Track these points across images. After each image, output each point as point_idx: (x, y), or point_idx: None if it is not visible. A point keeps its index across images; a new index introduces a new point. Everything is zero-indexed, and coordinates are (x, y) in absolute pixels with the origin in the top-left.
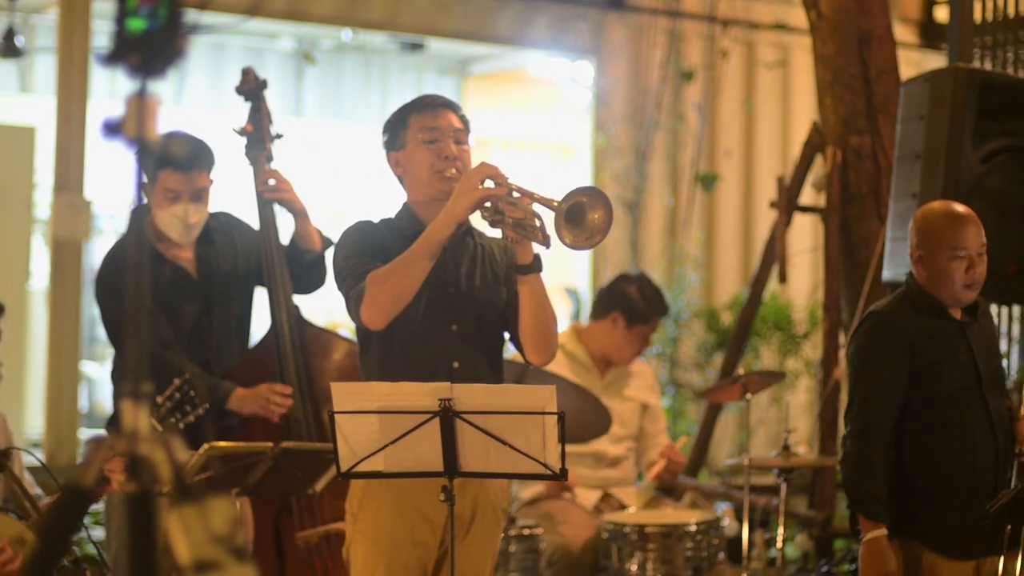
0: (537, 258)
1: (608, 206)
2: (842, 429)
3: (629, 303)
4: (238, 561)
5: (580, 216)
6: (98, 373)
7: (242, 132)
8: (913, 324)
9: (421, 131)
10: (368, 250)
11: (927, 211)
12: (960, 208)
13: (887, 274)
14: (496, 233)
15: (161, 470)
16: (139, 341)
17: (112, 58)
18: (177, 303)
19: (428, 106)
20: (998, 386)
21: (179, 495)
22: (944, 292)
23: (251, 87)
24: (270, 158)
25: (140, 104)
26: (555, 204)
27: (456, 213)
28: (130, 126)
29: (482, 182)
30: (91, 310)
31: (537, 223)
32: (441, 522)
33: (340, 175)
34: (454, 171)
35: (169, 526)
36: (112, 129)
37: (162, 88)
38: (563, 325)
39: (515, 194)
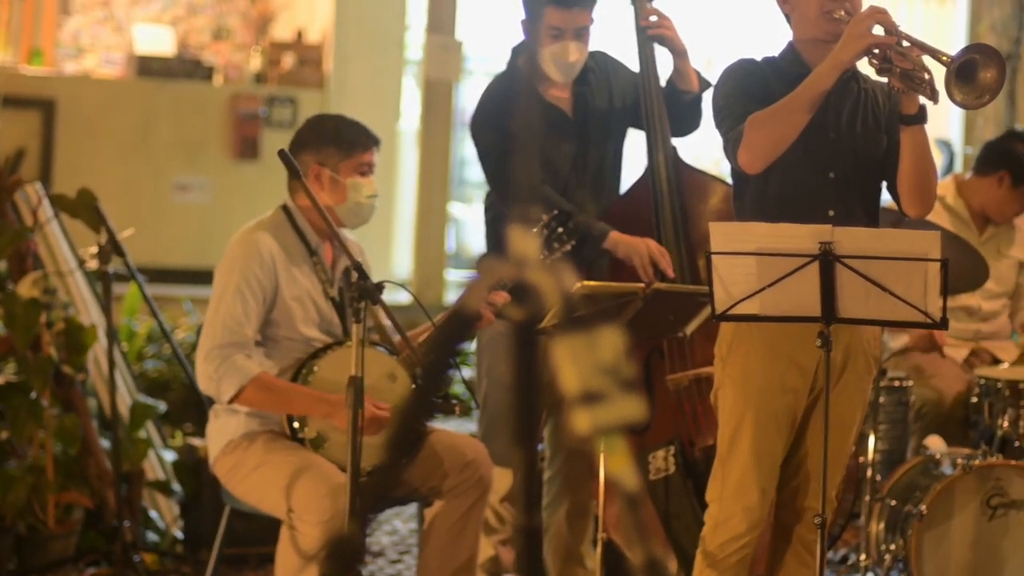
0: (922, 109)
1: (1002, 66)
2: None
3: (1018, 162)
4: (625, 393)
5: (972, 73)
6: (465, 214)
7: None
8: None
9: None
10: (749, 90)
11: None
12: None
13: None
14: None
15: (548, 298)
16: (524, 174)
17: None
18: (554, 142)
19: None
20: None
21: (566, 325)
22: None
23: None
24: None
25: None
26: (946, 59)
27: (842, 60)
28: None
29: (871, 28)
30: (461, 151)
31: (926, 76)
32: (812, 368)
33: (711, 22)
34: (843, 12)
35: (555, 356)
36: None
37: None
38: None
39: (905, 43)
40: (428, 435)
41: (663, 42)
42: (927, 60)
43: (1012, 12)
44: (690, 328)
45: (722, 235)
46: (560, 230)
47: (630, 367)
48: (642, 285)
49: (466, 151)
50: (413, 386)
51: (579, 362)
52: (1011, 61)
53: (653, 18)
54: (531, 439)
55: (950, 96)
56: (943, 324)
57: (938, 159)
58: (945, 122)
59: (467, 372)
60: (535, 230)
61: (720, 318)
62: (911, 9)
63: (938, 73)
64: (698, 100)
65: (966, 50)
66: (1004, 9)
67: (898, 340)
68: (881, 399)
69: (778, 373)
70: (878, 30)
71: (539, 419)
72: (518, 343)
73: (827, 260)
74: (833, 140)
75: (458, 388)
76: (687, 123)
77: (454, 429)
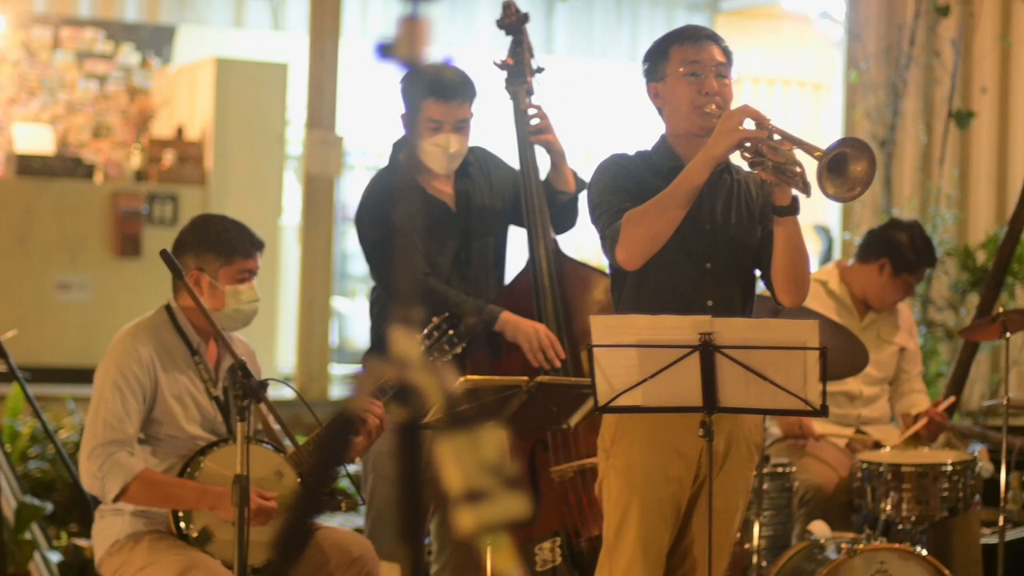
0: (795, 200)
1: (872, 159)
2: None
3: (898, 251)
4: (508, 491)
5: (843, 167)
6: (349, 308)
7: (503, 66)
8: None
9: (682, 64)
10: (624, 186)
11: None
12: None
13: None
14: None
15: (430, 399)
16: (409, 268)
17: None
18: (438, 237)
19: (691, 38)
20: None
21: (449, 424)
22: None
23: (512, 21)
24: (531, 92)
25: (412, 26)
26: (817, 152)
27: (715, 155)
28: (402, 48)
29: (742, 123)
30: (342, 245)
31: (798, 169)
32: (695, 457)
33: (589, 113)
34: (714, 107)
35: (438, 455)
36: (384, 52)
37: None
38: (812, 264)
39: (776, 137)
40: (315, 532)
41: (540, 141)
42: (799, 153)
43: (886, 99)
44: (574, 420)
45: (603, 328)
46: (451, 332)
47: (513, 464)
48: (525, 378)
49: (348, 245)
50: (300, 483)
51: (462, 459)
52: (886, 147)
53: (534, 116)
54: (417, 535)
55: (822, 189)
56: (823, 411)
57: (817, 245)
58: (824, 208)
59: (353, 467)
60: (424, 331)
61: (603, 410)
62: (787, 95)
63: (809, 165)
64: (575, 200)
65: (837, 144)
66: (879, 96)
67: (779, 428)
68: (765, 485)
69: (662, 463)
70: (749, 124)
71: (425, 514)
72: (402, 441)
73: (707, 350)
74: (708, 232)
75: (344, 483)
76: (563, 223)
77: (340, 524)
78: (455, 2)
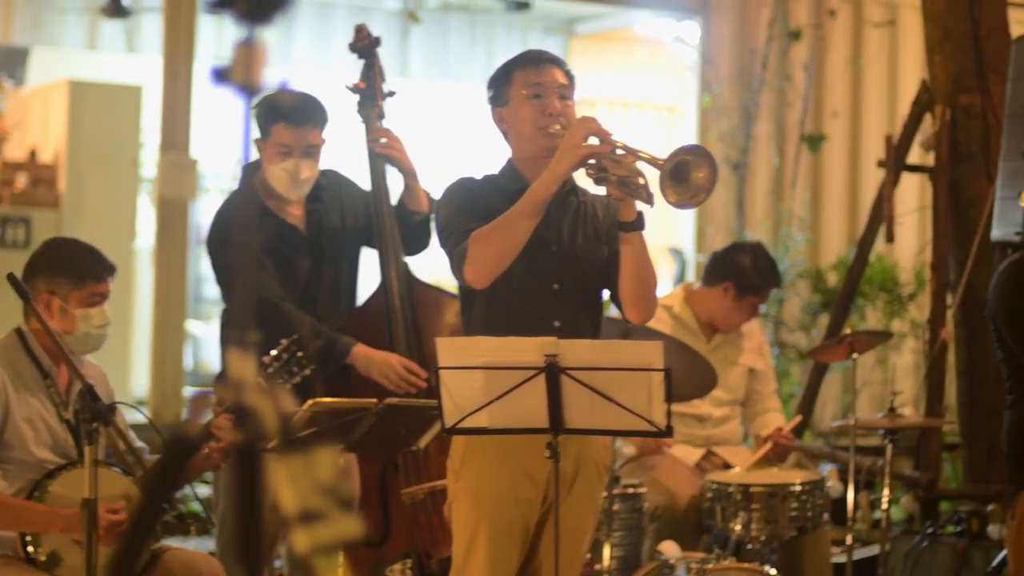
0: (640, 216)
1: (713, 165)
2: (949, 390)
3: (742, 273)
4: (343, 512)
5: (685, 174)
6: (203, 331)
7: (355, 89)
8: None
9: (525, 87)
10: (471, 208)
11: None
12: None
13: (996, 234)
14: (600, 190)
15: (268, 421)
16: (247, 291)
17: (220, 4)
18: (287, 259)
19: (532, 62)
20: None
21: (286, 447)
22: None
23: (364, 44)
24: (382, 116)
25: (248, 51)
26: (659, 162)
27: (560, 171)
28: (238, 73)
29: (585, 139)
30: (197, 269)
31: (641, 181)
32: (543, 478)
33: (444, 135)
34: (558, 127)
35: (275, 478)
36: (221, 76)
37: (270, 41)
38: (666, 286)
39: (619, 151)
40: (161, 555)
41: (392, 162)
42: (643, 166)
43: (739, 123)
44: (423, 441)
45: (450, 350)
46: (300, 355)
47: (349, 485)
48: (374, 400)
49: (202, 268)
50: (136, 506)
51: (299, 482)
52: (739, 170)
53: (383, 139)
54: (257, 558)
55: (665, 197)
56: (668, 432)
57: (670, 267)
58: (677, 231)
59: (204, 491)
60: (273, 353)
61: (450, 431)
62: (642, 119)
63: (653, 178)
64: (427, 220)
65: (677, 152)
66: (732, 120)
67: (630, 447)
68: (615, 506)
69: (510, 484)
70: (593, 140)
71: (273, 538)
72: (239, 464)
73: (553, 372)
74: (555, 253)
75: (197, 506)
76: (417, 243)
77: (194, 548)
78: (311, 25)
